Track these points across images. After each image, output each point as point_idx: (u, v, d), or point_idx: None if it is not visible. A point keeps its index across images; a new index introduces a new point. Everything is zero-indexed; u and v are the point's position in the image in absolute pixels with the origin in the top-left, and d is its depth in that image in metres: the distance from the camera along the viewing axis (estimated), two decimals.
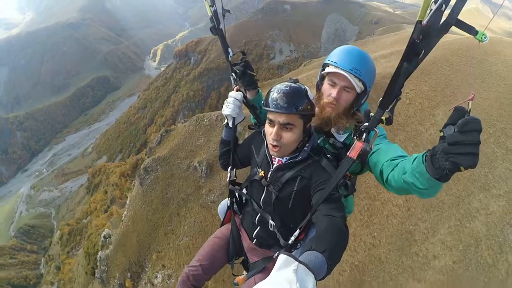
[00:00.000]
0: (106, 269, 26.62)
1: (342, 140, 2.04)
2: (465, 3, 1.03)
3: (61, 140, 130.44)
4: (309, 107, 1.76)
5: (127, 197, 29.79)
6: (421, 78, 20.20)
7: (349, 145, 1.95)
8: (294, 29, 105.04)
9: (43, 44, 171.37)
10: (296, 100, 1.71)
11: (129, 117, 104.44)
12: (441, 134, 1.14)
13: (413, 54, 1.16)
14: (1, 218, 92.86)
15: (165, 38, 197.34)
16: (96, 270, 27.88)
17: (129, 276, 24.71)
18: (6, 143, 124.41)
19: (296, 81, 1.83)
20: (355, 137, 1.48)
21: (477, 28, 1.05)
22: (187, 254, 22.05)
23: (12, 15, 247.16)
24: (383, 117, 1.39)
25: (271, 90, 1.78)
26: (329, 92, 1.99)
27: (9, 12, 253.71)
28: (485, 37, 1.05)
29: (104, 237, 28.61)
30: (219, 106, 70.89)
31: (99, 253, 27.40)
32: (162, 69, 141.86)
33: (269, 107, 1.74)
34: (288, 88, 1.73)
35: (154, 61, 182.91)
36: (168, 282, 21.65)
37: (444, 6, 1.05)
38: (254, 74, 2.33)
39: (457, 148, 1.06)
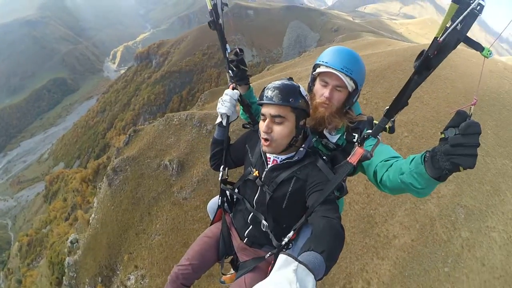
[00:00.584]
0: (75, 275, 25.98)
1: (334, 141, 2.07)
2: (474, 21, 1.08)
3: (16, 146, 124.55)
4: (301, 102, 1.80)
5: (94, 201, 29.20)
6: (377, 81, 21.84)
7: (341, 145, 2.05)
8: (256, 34, 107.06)
9: None
10: (288, 94, 1.76)
11: (87, 121, 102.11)
12: (442, 136, 1.18)
13: (425, 68, 1.20)
14: None
15: (125, 40, 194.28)
16: (64, 277, 27.04)
17: (100, 280, 24.17)
18: None
19: (290, 79, 1.92)
20: (356, 143, 1.53)
21: (483, 45, 1.09)
22: (161, 252, 21.90)
23: None
24: (386, 126, 1.45)
25: (266, 86, 1.85)
26: (321, 92, 2.04)
27: None
28: (490, 53, 1.10)
29: (71, 242, 27.96)
30: (180, 110, 70.66)
31: (67, 259, 26.62)
32: (122, 71, 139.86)
33: (261, 100, 1.81)
34: (281, 83, 1.80)
35: (114, 63, 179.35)
36: (142, 282, 21.38)
37: (459, 25, 1.10)
38: (247, 69, 2.38)
39: (459, 150, 1.11)
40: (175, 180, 24.31)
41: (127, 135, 31.07)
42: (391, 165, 1.60)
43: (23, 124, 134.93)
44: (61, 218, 50.00)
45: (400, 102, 1.32)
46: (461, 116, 1.13)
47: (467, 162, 1.12)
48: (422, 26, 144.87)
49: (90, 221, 27.39)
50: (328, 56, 1.99)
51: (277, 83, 1.80)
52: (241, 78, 2.33)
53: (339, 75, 1.92)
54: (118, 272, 23.67)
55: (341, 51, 2.00)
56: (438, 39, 1.14)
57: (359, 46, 41.47)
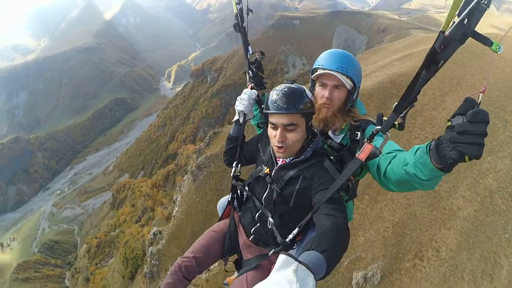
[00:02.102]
0: (157, 263, 28.25)
1: (338, 141, 2.10)
2: (482, 15, 1.06)
3: (81, 160, 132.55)
4: (309, 105, 1.80)
5: (176, 197, 31.79)
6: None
7: (345, 145, 2.06)
8: (305, 42, 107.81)
9: (61, 68, 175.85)
10: (296, 99, 1.74)
11: (149, 135, 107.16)
12: (449, 124, 1.14)
13: (433, 62, 1.19)
14: (24, 235, 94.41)
15: (177, 59, 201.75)
16: (145, 266, 29.43)
17: None
18: (27, 163, 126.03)
19: (293, 82, 1.89)
20: (366, 140, 1.50)
21: (492, 40, 1.09)
22: None
23: (27, 42, 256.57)
24: (396, 122, 1.43)
25: (270, 93, 1.83)
26: (322, 93, 2.09)
27: (24, 39, 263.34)
28: (499, 48, 1.10)
29: (154, 234, 30.42)
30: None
31: (150, 249, 28.94)
32: (178, 89, 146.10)
33: (270, 110, 1.78)
34: (286, 89, 1.77)
35: (169, 81, 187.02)
36: (218, 267, 22.36)
37: (466, 19, 1.08)
38: (263, 76, 2.47)
39: (465, 138, 1.07)
40: None
41: (208, 137, 34.51)
42: (394, 156, 1.59)
43: (88, 140, 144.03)
44: (131, 221, 53.40)
45: (409, 97, 1.30)
46: (469, 104, 1.09)
47: (473, 151, 1.06)
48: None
49: (174, 214, 29.92)
50: (323, 59, 2.09)
51: (283, 89, 1.78)
52: (257, 84, 2.47)
53: (336, 74, 2.00)
54: None
55: (334, 53, 2.09)
56: (444, 33, 1.12)
57: (410, 44, 40.57)
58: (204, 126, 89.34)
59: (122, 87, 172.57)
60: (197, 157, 31.99)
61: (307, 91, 1.85)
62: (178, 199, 30.58)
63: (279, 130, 1.79)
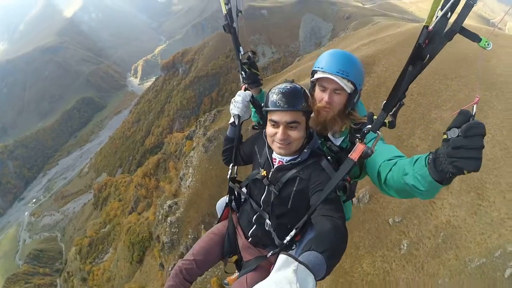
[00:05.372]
0: (177, 230, 30.74)
1: (338, 143, 2.09)
2: (469, 11, 1.04)
3: (54, 165, 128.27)
4: (309, 104, 1.83)
5: (188, 170, 34.42)
6: (390, 55, 25.66)
7: (345, 148, 2.06)
8: (273, 31, 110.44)
9: (24, 71, 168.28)
10: (297, 98, 1.77)
11: (124, 132, 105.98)
12: (445, 136, 1.12)
13: (418, 58, 1.16)
14: (4, 249, 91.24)
15: (143, 54, 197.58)
16: (164, 237, 31.47)
17: (202, 227, 29.07)
18: None
19: (292, 81, 1.92)
20: (357, 139, 1.47)
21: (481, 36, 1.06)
22: None
23: None
24: (386, 120, 1.41)
25: (270, 92, 1.85)
26: (321, 97, 2.06)
27: None
28: (488, 44, 1.06)
29: (169, 206, 32.98)
30: (213, 110, 74.95)
31: (168, 219, 31.44)
32: (146, 84, 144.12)
33: (272, 108, 1.79)
34: (288, 87, 1.79)
35: (136, 77, 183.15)
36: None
37: (450, 13, 1.06)
38: (258, 73, 2.45)
39: (461, 153, 1.05)
40: None
41: (212, 114, 38.60)
42: (395, 164, 1.58)
43: (58, 144, 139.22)
44: (123, 213, 54.66)
45: (396, 95, 1.28)
46: (464, 116, 1.07)
47: (470, 166, 1.05)
48: (430, 2, 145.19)
49: (188, 184, 32.89)
50: (323, 61, 2.05)
51: (284, 88, 1.81)
52: (253, 81, 2.44)
53: (335, 79, 1.96)
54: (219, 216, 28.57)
55: (335, 55, 2.05)
56: (428, 27, 1.11)
57: (375, 31, 44.76)
58: (179, 118, 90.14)
59: (88, 86, 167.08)
60: (204, 134, 35.53)
61: (306, 90, 1.89)
62: (190, 171, 33.43)
63: (281, 128, 1.80)
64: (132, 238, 38.82)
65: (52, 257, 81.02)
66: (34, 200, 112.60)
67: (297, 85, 1.86)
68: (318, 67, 2.06)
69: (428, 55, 1.14)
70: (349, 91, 2.01)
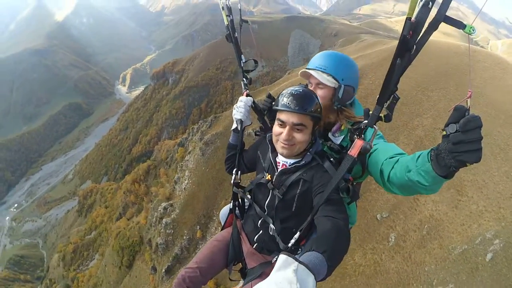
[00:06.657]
0: (172, 231, 31.24)
1: (338, 142, 2.09)
2: (451, 0, 1.05)
3: (37, 170, 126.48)
4: (318, 109, 1.82)
5: (184, 173, 35.07)
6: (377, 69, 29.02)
7: (345, 147, 2.03)
8: (263, 46, 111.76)
9: (12, 71, 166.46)
10: (307, 101, 1.77)
11: (110, 139, 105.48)
12: (444, 133, 1.15)
13: (405, 50, 1.17)
14: None
15: (132, 62, 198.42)
16: (158, 238, 31.81)
17: (198, 228, 29.75)
18: None
19: (306, 86, 1.96)
20: (355, 135, 1.51)
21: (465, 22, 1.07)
22: None
23: None
24: (381, 114, 1.43)
25: (282, 93, 1.85)
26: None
27: None
28: (473, 30, 1.07)
29: (164, 208, 33.48)
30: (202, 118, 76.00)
31: (163, 220, 31.96)
32: (134, 93, 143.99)
33: (282, 108, 1.78)
34: (300, 90, 1.80)
35: (124, 85, 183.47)
36: None
37: (430, 3, 1.07)
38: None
39: (462, 147, 1.08)
40: None
41: (209, 120, 39.51)
42: (397, 161, 1.59)
43: (43, 148, 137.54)
44: (110, 220, 54.53)
45: (388, 87, 1.29)
46: (459, 111, 1.10)
47: (472, 158, 1.09)
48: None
49: (184, 187, 33.62)
50: (309, 62, 2.18)
51: (296, 90, 1.81)
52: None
53: (313, 73, 2.06)
54: (214, 218, 29.65)
55: (319, 54, 2.17)
56: (411, 19, 1.12)
57: (361, 48, 47.06)
58: (168, 128, 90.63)
59: (76, 92, 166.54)
60: (200, 139, 36.41)
61: (317, 96, 1.89)
62: (186, 174, 34.28)
63: (287, 128, 1.81)
64: (122, 243, 38.77)
65: (33, 264, 79.68)
66: (16, 205, 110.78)
67: (310, 90, 1.88)
68: (306, 68, 2.20)
69: (414, 46, 1.16)
70: (330, 85, 2.07)
